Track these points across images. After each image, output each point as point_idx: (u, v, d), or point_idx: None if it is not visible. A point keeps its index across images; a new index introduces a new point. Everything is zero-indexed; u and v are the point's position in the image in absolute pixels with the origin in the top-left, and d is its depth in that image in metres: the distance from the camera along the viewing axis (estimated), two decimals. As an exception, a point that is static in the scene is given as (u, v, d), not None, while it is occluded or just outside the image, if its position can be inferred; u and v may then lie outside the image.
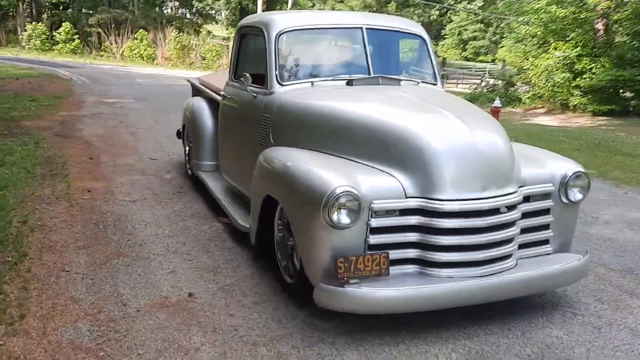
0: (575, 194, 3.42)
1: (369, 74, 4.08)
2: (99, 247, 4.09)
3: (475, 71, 42.94)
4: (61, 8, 38.53)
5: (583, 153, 9.34)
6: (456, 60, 58.78)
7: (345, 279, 2.87)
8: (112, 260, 3.89)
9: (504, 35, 30.09)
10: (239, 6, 43.51)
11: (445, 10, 47.44)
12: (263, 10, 37.95)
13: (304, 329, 3.06)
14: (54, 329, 2.95)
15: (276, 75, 4.02)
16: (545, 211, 3.39)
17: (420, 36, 4.52)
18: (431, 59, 4.50)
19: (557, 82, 19.25)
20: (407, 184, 3.03)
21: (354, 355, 2.83)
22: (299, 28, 4.22)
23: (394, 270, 3.00)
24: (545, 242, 3.43)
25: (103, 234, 4.36)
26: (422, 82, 4.34)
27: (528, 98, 21.71)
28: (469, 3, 48.15)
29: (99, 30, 35.04)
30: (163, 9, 48.20)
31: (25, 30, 33.49)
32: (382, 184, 3.02)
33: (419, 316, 3.09)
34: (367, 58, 4.13)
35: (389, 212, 3.00)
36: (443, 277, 3.02)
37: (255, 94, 4.15)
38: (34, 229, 4.36)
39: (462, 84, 35.35)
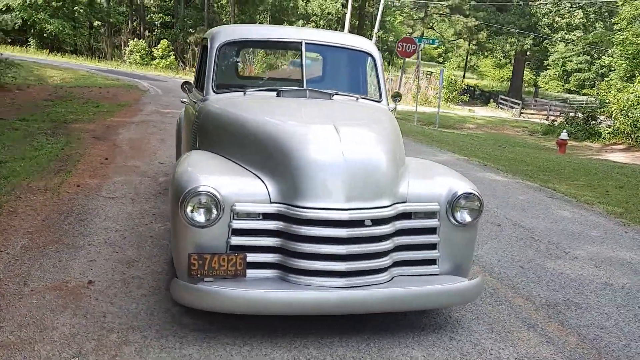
0: (464, 216, 3.30)
1: (303, 86, 4.17)
2: (45, 234, 4.44)
3: (569, 103, 41.07)
4: (166, 27, 41.50)
5: (622, 190, 8.73)
6: (558, 92, 56.40)
7: (199, 276, 2.97)
8: (48, 246, 4.21)
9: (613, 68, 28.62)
10: (332, 28, 44.55)
11: (541, 39, 45.67)
12: (350, 28, 38.72)
13: (167, 323, 3.17)
14: (-52, 297, 3.27)
15: (212, 84, 4.21)
16: (431, 230, 3.29)
17: (368, 53, 4.53)
18: (378, 76, 4.50)
19: (637, 118, 18.05)
20: (273, 190, 3.08)
21: (193, 351, 2.91)
22: (241, 40, 4.40)
23: (254, 273, 3.06)
24: (432, 262, 3.33)
25: (59, 223, 4.72)
26: (362, 98, 4.35)
27: (608, 133, 20.47)
28: (567, 33, 46.11)
29: (195, 48, 37.20)
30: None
31: (128, 46, 36.27)
32: (247, 188, 3.09)
33: (286, 321, 3.13)
34: (303, 71, 4.21)
35: (251, 215, 3.07)
36: (302, 285, 3.03)
37: (195, 101, 4.36)
38: (1, 214, 4.81)
39: (551, 115, 34.00)
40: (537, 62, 56.62)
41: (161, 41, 36.39)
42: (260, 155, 3.27)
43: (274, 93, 4.12)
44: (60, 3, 33.48)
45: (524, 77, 53.25)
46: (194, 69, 37.00)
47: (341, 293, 3.01)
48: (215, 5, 47.64)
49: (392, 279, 3.19)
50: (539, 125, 26.66)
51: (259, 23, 49.81)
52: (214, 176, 3.10)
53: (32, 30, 34.10)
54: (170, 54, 36.01)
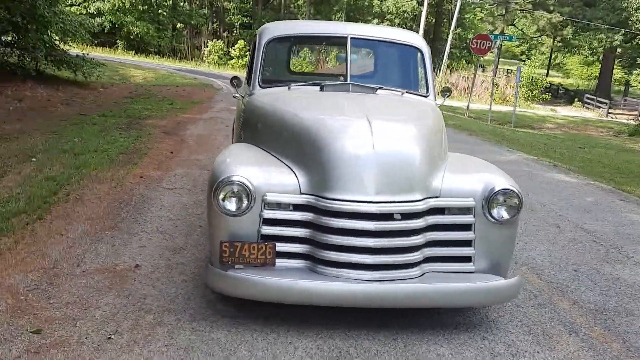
0: (501, 212, 3.19)
1: (347, 81, 4.18)
2: (104, 220, 4.71)
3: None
4: (244, 28, 42.66)
5: None
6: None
7: (230, 263, 3.06)
8: (105, 231, 4.47)
9: None
10: (407, 26, 44.10)
11: (633, 35, 42.95)
12: (426, 26, 38.14)
13: (202, 308, 3.29)
14: (9, 274, 3.55)
15: (259, 79, 4.30)
16: (466, 226, 3.21)
17: (417, 48, 4.47)
18: (425, 71, 4.43)
19: None
20: (303, 181, 3.12)
21: (221, 335, 3.00)
22: (288, 36, 4.46)
23: (284, 263, 3.12)
24: (467, 259, 3.24)
25: (117, 211, 4.99)
26: (408, 92, 4.29)
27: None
28: (662, 27, 43.02)
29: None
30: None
31: (207, 46, 37.57)
32: (279, 179, 3.14)
33: (316, 311, 3.16)
34: (348, 66, 4.22)
35: (281, 206, 3.12)
36: (330, 276, 3.05)
37: (243, 96, 4.48)
38: (68, 200, 5.15)
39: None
40: (629, 60, 53.34)
41: (238, 41, 37.43)
42: (294, 147, 3.32)
43: (318, 87, 4.15)
44: (146, 7, 35.19)
45: (614, 75, 50.28)
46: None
47: (369, 286, 3.00)
48: (292, 5, 48.43)
49: (423, 274, 3.15)
50: (626, 126, 25.11)
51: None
52: (248, 167, 3.18)
53: (120, 33, 36.04)
54: (246, 53, 36.94)
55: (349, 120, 3.29)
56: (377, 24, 45.03)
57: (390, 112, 3.65)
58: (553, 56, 60.28)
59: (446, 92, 4.67)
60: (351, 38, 4.30)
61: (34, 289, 3.38)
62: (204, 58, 37.39)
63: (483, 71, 38.22)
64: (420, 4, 39.27)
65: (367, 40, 4.42)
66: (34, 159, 6.67)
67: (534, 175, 8.24)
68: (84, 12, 32.55)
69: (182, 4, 40.29)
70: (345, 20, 50.59)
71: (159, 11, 36.92)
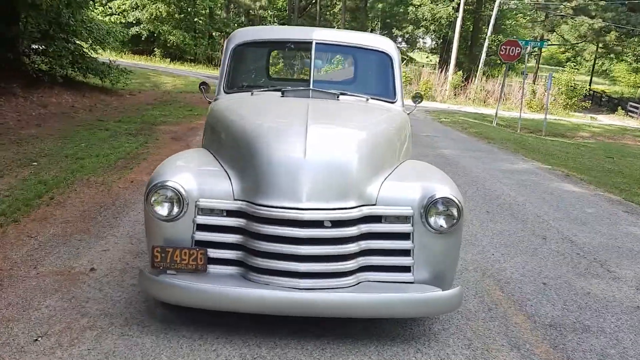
0: (439, 222, 3.09)
1: (309, 86, 4.14)
2: (78, 224, 4.80)
3: None
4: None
5: None
6: None
7: (162, 268, 3.06)
8: (74, 234, 4.55)
9: None
10: (442, 32, 43.64)
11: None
12: (462, 32, 37.65)
13: (139, 312, 3.30)
14: (-36, 274, 3.65)
15: (224, 85, 4.32)
16: (403, 235, 3.12)
17: (384, 52, 4.40)
18: (393, 76, 4.35)
19: None
20: (237, 187, 3.10)
21: (148, 340, 3.00)
22: (254, 41, 4.46)
23: (217, 269, 3.10)
24: (405, 269, 3.15)
25: (95, 215, 5.08)
26: (374, 98, 4.23)
27: None
28: None
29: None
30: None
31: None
32: (212, 184, 3.13)
33: (254, 318, 3.13)
34: (311, 71, 4.19)
35: (214, 212, 3.11)
36: (261, 283, 3.02)
37: (209, 101, 4.50)
38: (50, 204, 5.27)
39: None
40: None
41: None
42: (234, 152, 3.31)
43: (280, 93, 4.13)
44: (183, 15, 35.95)
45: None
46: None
47: (299, 294, 2.95)
48: (327, 13, 48.66)
49: (358, 283, 3.08)
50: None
51: (370, 30, 50.08)
52: (183, 172, 3.17)
53: (158, 41, 36.92)
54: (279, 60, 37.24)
55: (287, 126, 3.27)
56: (413, 30, 44.78)
57: (337, 118, 3.60)
58: (600, 63, 58.48)
59: (417, 98, 4.58)
60: (316, 43, 4.27)
61: (-17, 289, 3.46)
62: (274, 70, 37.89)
63: (526, 78, 37.39)
64: (457, 9, 38.82)
65: (333, 45, 4.38)
66: (35, 163, 6.88)
67: (539, 185, 7.98)
68: (123, 21, 33.51)
69: (219, 12, 40.97)
70: (381, 28, 50.50)
71: (195, 20, 37.64)
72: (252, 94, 4.21)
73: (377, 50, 4.42)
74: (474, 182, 7.76)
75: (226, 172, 3.23)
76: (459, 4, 37.53)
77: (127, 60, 30.98)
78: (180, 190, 3.05)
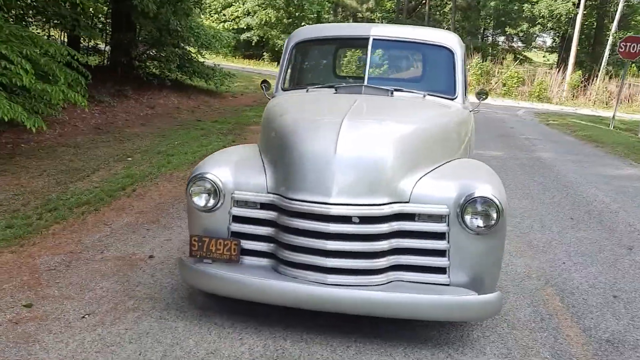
0: (474, 222, 2.92)
1: (364, 83, 4.09)
2: (150, 214, 5.11)
3: None
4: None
5: None
6: None
7: (198, 257, 3.18)
8: (145, 224, 4.84)
9: None
10: (561, 30, 41.17)
11: None
12: (584, 29, 35.30)
13: (180, 299, 3.46)
14: (39, 254, 4.01)
15: (282, 82, 4.39)
16: (438, 235, 2.99)
17: (446, 47, 4.24)
18: (454, 71, 4.18)
19: None
20: (271, 181, 3.15)
21: (181, 325, 3.13)
22: (313, 39, 4.48)
23: (251, 260, 3.17)
24: (441, 270, 3.02)
25: (167, 207, 5.37)
26: (431, 94, 4.08)
27: None
28: None
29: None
30: (484, 37, 48.98)
31: (345, 57, 38.37)
32: (248, 178, 3.20)
33: (289, 310, 3.13)
34: (366, 67, 4.15)
35: (249, 204, 3.17)
36: (289, 276, 3.04)
37: (269, 99, 4.59)
38: (130, 196, 5.65)
39: None
40: None
41: (376, 50, 37.67)
42: (272, 147, 3.36)
43: (334, 90, 4.12)
44: (290, 20, 36.93)
45: None
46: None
47: (326, 290, 2.94)
48: (437, 13, 47.70)
49: (389, 282, 3.00)
50: None
51: (483, 30, 48.37)
52: (222, 166, 3.27)
53: (267, 46, 38.20)
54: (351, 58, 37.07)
55: (324, 122, 3.24)
56: (528, 28, 42.70)
57: (379, 114, 3.51)
58: None
59: (481, 94, 4.36)
60: (373, 39, 4.22)
61: (52, 269, 3.79)
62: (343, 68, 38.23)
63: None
64: (577, 5, 36.41)
65: (391, 41, 4.29)
66: (129, 159, 7.40)
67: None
68: (235, 27, 35.09)
69: (326, 16, 41.61)
70: (493, 27, 48.58)
71: (302, 24, 38.49)
72: (307, 91, 4.24)
73: (438, 45, 4.27)
74: (565, 187, 7.23)
75: (264, 166, 3.28)
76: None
77: (237, 64, 32.39)
78: (217, 182, 3.15)
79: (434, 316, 2.98)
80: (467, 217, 2.93)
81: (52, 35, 14.04)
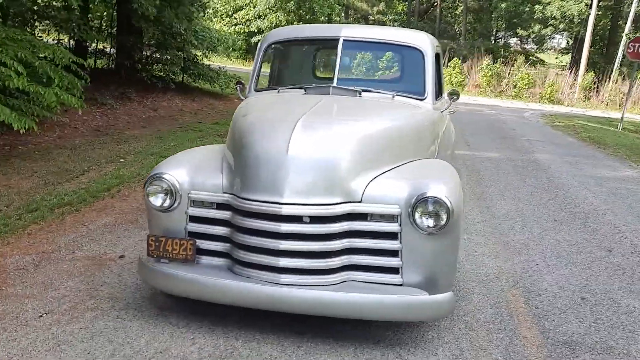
0: (424, 222, 2.91)
1: (333, 84, 4.09)
2: (129, 215, 5.15)
3: None
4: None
5: None
6: None
7: (155, 256, 3.21)
8: (122, 224, 4.88)
9: None
10: (574, 31, 40.77)
11: None
12: (597, 30, 34.89)
13: (141, 299, 3.48)
14: (10, 254, 4.07)
15: (254, 83, 4.41)
16: (390, 235, 2.98)
17: (416, 48, 4.22)
18: (424, 72, 4.16)
19: None
20: (227, 181, 3.17)
21: (137, 325, 3.15)
22: (285, 40, 4.50)
23: (207, 260, 3.19)
24: (394, 270, 3.01)
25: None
26: (400, 95, 4.07)
27: None
28: None
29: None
30: (497, 38, 48.65)
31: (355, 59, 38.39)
32: (205, 178, 3.22)
33: (248, 311, 3.14)
34: (336, 68, 4.15)
35: (205, 204, 3.19)
36: (243, 276, 3.05)
37: (242, 99, 4.61)
38: (114, 196, 5.71)
39: None
40: None
41: (386, 53, 37.61)
42: (232, 148, 3.38)
43: (302, 90, 4.13)
44: (301, 22, 37.01)
45: None
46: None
47: (278, 290, 2.94)
48: (449, 15, 47.50)
49: (342, 282, 3.00)
50: None
51: (495, 31, 48.05)
52: (180, 166, 3.29)
53: (278, 48, 38.36)
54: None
55: (279, 122, 3.25)
56: (540, 30, 42.34)
57: (339, 114, 3.51)
58: None
59: (453, 95, 4.33)
60: (344, 40, 4.21)
61: (20, 268, 3.84)
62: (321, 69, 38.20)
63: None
64: (589, 6, 36.01)
65: (361, 42, 4.29)
66: (122, 160, 7.47)
67: (634, 194, 7.15)
68: (246, 30, 35.28)
69: (337, 19, 41.61)
70: (505, 28, 48.26)
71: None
72: (278, 92, 4.25)
73: (408, 46, 4.26)
74: (556, 189, 7.15)
75: (223, 167, 3.29)
76: (592, 0, 34.79)
77: (248, 67, 32.52)
78: (174, 182, 3.17)
79: (385, 316, 2.97)
80: (418, 217, 2.92)
81: (62, 40, 14.25)
